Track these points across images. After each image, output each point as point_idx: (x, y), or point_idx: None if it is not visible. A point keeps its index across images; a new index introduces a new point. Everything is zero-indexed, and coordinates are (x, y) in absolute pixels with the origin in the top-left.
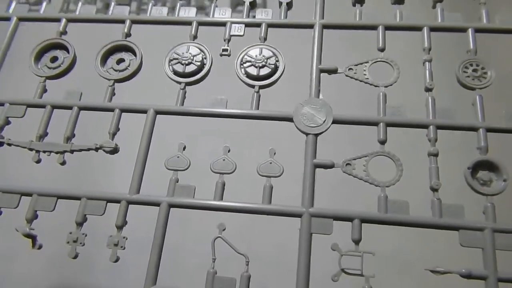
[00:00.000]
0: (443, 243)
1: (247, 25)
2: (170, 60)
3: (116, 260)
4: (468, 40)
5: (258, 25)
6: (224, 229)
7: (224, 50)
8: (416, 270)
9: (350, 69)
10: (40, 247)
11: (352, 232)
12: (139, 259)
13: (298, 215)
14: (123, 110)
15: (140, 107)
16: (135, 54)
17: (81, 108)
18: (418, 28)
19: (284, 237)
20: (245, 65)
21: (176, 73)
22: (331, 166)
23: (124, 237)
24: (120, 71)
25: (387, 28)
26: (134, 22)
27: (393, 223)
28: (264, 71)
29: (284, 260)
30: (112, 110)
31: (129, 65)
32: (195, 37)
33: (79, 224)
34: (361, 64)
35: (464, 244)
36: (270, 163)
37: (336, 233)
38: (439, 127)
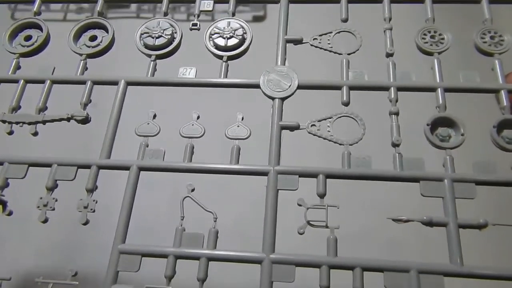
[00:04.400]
0: (405, 194)
1: (216, 1)
2: (141, 34)
3: (86, 223)
4: (427, 9)
5: (226, 0)
6: (193, 190)
7: (193, 24)
8: (379, 220)
9: (315, 39)
10: (10, 213)
11: (317, 187)
12: (110, 221)
13: (265, 174)
14: (95, 82)
15: (111, 78)
16: (107, 32)
17: (54, 82)
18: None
19: (252, 195)
20: (213, 36)
21: (146, 46)
22: (296, 127)
23: (94, 200)
24: (92, 47)
25: (350, 1)
26: (106, 0)
27: (356, 177)
28: (232, 41)
29: (252, 216)
30: (84, 82)
31: (101, 41)
32: (165, 13)
33: (50, 189)
34: (325, 34)
35: (425, 193)
36: (238, 126)
37: (302, 189)
38: (400, 88)
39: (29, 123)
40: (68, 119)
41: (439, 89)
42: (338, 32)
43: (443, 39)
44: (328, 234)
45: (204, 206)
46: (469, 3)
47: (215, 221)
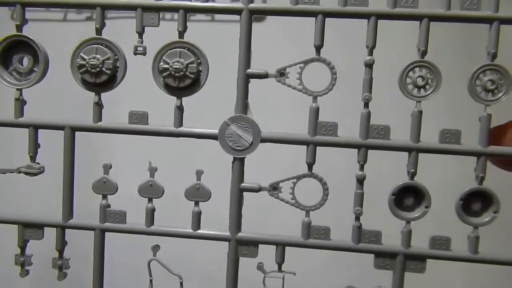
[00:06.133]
0: (360, 263)
1: (161, 9)
2: (78, 68)
3: (64, 277)
4: (421, 37)
5: (175, 9)
6: (158, 250)
7: (137, 47)
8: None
9: (281, 73)
10: None
11: (275, 256)
12: (86, 275)
13: (227, 240)
14: (37, 127)
15: (55, 123)
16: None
17: None
18: (364, 15)
19: (216, 257)
20: (163, 75)
21: (85, 83)
22: (258, 190)
23: (66, 259)
24: (25, 74)
25: (327, 14)
26: (23, 4)
27: (314, 247)
28: (185, 82)
29: (216, 279)
30: (25, 126)
31: (33, 67)
32: (100, 29)
33: (22, 248)
34: (294, 65)
35: (378, 267)
36: (197, 188)
37: (261, 252)
38: (370, 147)
39: None
40: (19, 172)
41: (413, 152)
42: (309, 63)
43: (432, 81)
44: None
45: (170, 269)
46: (479, 22)
47: (181, 285)
